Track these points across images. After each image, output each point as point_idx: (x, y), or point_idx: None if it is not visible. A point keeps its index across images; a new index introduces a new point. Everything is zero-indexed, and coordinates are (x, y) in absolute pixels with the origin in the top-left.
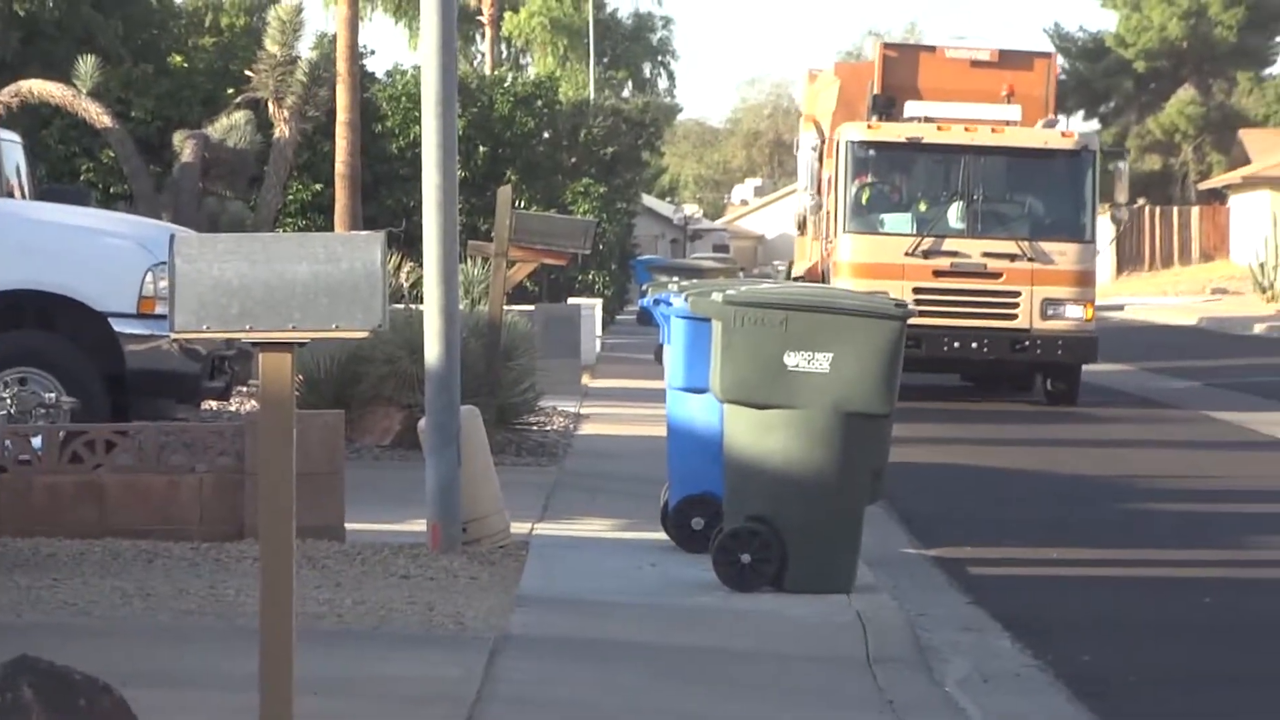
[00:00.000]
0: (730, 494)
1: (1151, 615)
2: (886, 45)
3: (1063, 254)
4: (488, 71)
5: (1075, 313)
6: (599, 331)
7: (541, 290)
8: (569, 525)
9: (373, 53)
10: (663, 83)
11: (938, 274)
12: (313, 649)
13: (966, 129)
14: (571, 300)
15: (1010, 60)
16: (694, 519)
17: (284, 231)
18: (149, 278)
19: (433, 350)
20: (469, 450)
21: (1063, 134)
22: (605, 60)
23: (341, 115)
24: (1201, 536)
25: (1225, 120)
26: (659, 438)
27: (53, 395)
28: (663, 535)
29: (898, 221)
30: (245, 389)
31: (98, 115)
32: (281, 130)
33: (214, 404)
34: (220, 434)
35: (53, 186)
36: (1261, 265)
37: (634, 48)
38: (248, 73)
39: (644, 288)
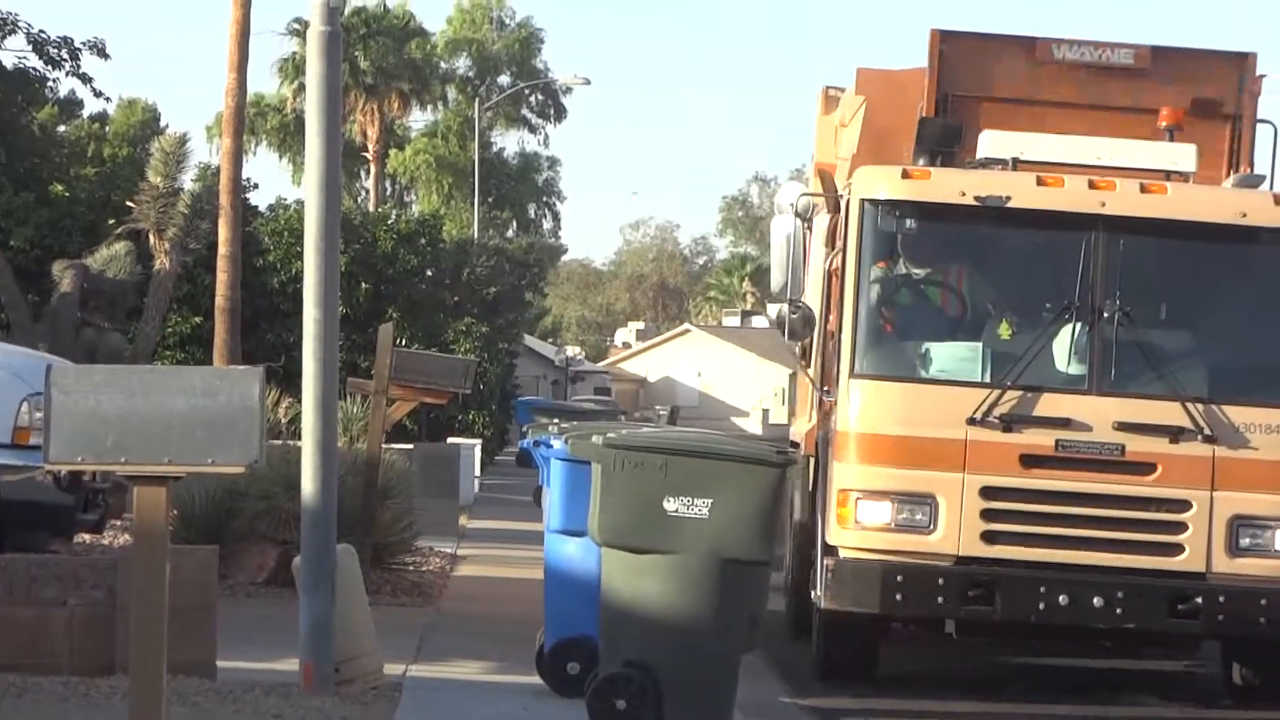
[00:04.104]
0: (606, 638)
1: None
2: (945, 35)
3: (1272, 431)
4: (371, 208)
5: None
6: (478, 472)
7: (421, 429)
8: (443, 667)
9: (256, 186)
10: (547, 223)
11: (1030, 462)
12: None
13: (1095, 185)
14: (451, 440)
15: (1171, 66)
16: (570, 663)
17: (162, 364)
18: (24, 408)
19: (309, 487)
20: (343, 589)
21: (1277, 199)
22: (490, 199)
23: (223, 248)
24: (1092, 691)
25: None
26: (536, 580)
27: None
28: (538, 679)
29: (954, 358)
30: (119, 522)
31: None
32: (162, 262)
33: (87, 537)
34: (93, 567)
35: None
36: None
37: (519, 188)
38: (129, 203)
39: (524, 429)
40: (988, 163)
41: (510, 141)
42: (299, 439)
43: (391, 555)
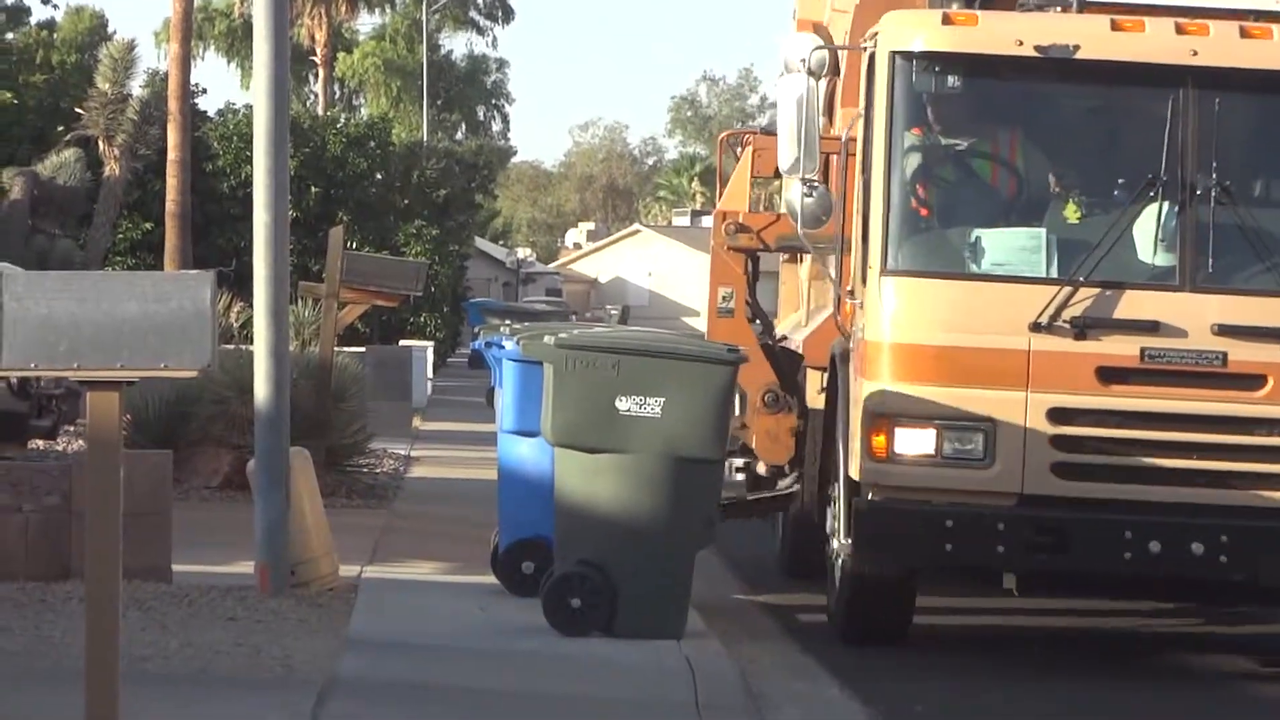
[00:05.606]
0: (561, 538)
1: (980, 664)
2: None
3: None
4: (321, 112)
5: None
6: (430, 374)
7: (373, 332)
8: (399, 568)
9: (205, 91)
10: (496, 125)
11: (1109, 377)
12: (138, 691)
13: (1183, 29)
14: (403, 342)
15: None
16: (524, 563)
17: (113, 270)
18: None
19: (262, 391)
20: (298, 492)
21: None
22: (439, 102)
23: (172, 154)
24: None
25: None
26: (490, 481)
27: None
28: (493, 579)
29: (1012, 248)
30: (73, 428)
31: None
32: (112, 168)
33: (41, 443)
34: (47, 473)
35: None
36: None
37: (468, 90)
38: (79, 110)
39: (476, 330)
40: (1044, 4)
41: (458, 44)
42: (251, 343)
43: (345, 458)
